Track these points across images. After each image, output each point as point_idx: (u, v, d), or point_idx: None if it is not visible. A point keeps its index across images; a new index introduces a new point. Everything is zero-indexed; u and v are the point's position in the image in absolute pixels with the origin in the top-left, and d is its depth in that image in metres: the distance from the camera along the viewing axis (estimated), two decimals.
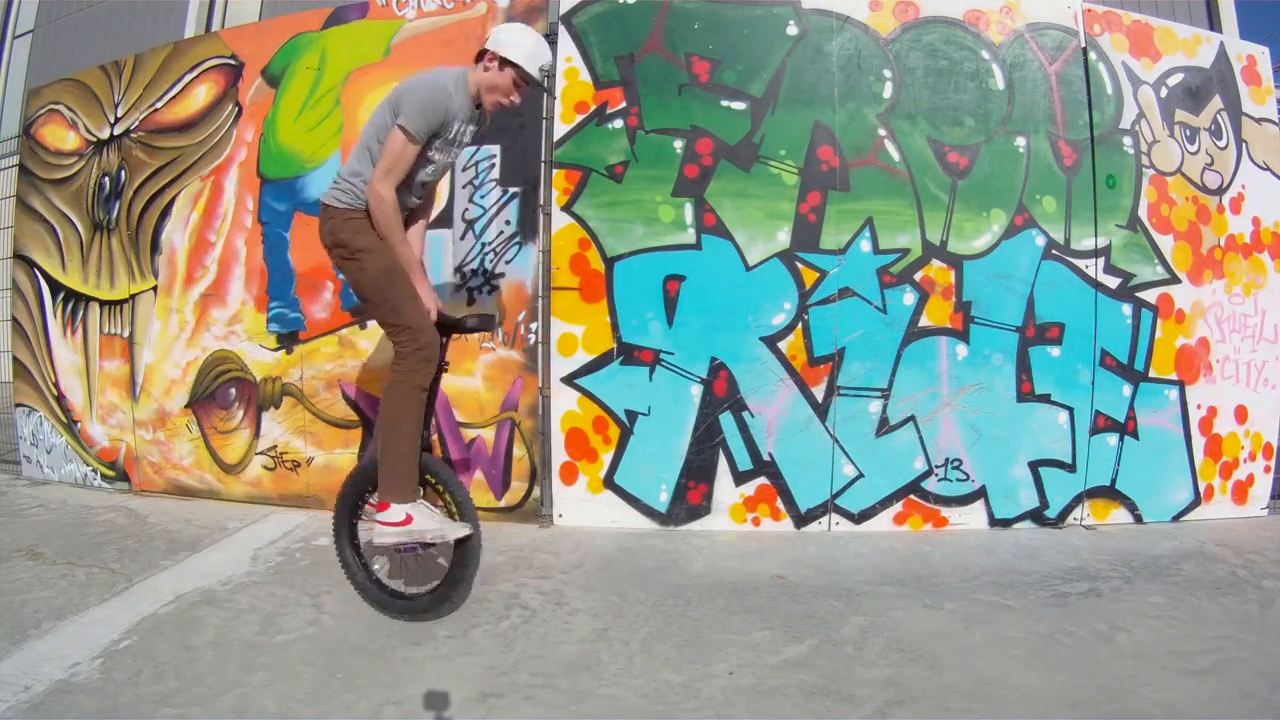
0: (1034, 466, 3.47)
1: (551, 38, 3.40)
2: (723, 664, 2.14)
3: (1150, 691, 2.00)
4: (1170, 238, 3.61)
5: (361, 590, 2.47)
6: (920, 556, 3.07)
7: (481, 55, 2.39)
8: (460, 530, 2.30)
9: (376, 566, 2.58)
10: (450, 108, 2.32)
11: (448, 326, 2.48)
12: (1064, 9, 3.53)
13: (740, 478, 3.38)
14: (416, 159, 2.35)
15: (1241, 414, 3.74)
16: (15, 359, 4.47)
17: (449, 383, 3.48)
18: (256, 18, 7.70)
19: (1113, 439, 3.55)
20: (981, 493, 3.45)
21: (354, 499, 2.52)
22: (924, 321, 3.39)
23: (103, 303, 4.11)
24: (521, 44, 2.35)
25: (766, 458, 3.37)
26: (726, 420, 3.37)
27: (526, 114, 3.41)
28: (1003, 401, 3.44)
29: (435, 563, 2.62)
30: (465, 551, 2.34)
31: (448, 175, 3.47)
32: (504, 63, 2.33)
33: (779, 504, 3.38)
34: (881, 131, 3.38)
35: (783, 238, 3.34)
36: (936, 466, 3.42)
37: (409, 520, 2.27)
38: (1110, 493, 3.56)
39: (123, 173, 4.01)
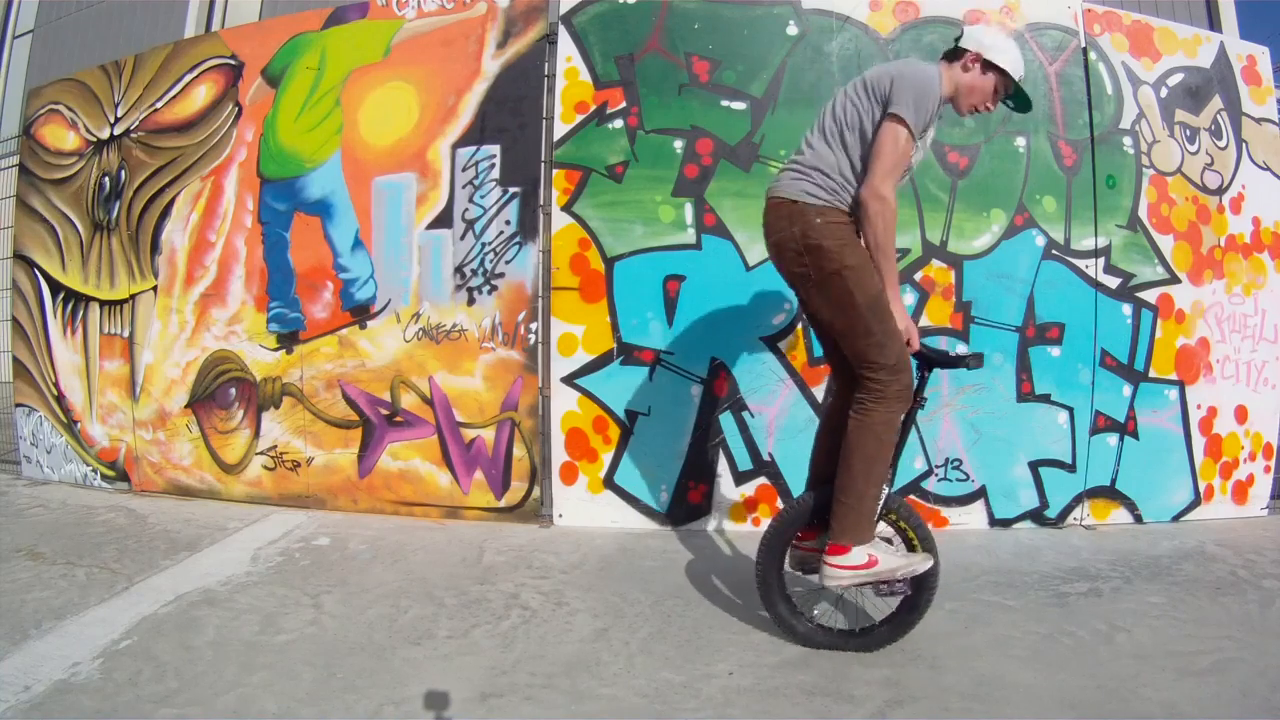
0: (1034, 466, 3.47)
1: (551, 38, 3.40)
2: (723, 664, 2.14)
3: (1150, 691, 2.00)
4: (1170, 238, 3.61)
5: (806, 640, 2.25)
6: None
7: (956, 55, 2.19)
8: (925, 563, 2.14)
9: (816, 613, 2.35)
10: (938, 103, 2.11)
11: (931, 360, 2.24)
12: (1064, 9, 3.53)
13: (740, 478, 3.38)
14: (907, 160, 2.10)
15: (1241, 414, 3.74)
16: (15, 359, 4.47)
17: (450, 383, 3.50)
18: (256, 18, 7.71)
19: (1113, 439, 3.55)
20: (981, 493, 3.45)
21: (783, 547, 2.26)
22: (924, 321, 3.39)
23: (103, 303, 4.11)
24: (1009, 50, 2.16)
25: (766, 458, 3.37)
26: (726, 420, 3.37)
27: (526, 114, 3.42)
28: (1003, 401, 3.44)
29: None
30: (925, 578, 2.19)
31: (448, 175, 3.48)
32: (988, 66, 2.14)
33: (779, 504, 3.38)
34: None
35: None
36: (936, 466, 3.42)
37: (873, 563, 2.09)
38: (1110, 493, 3.56)
39: (123, 173, 4.02)
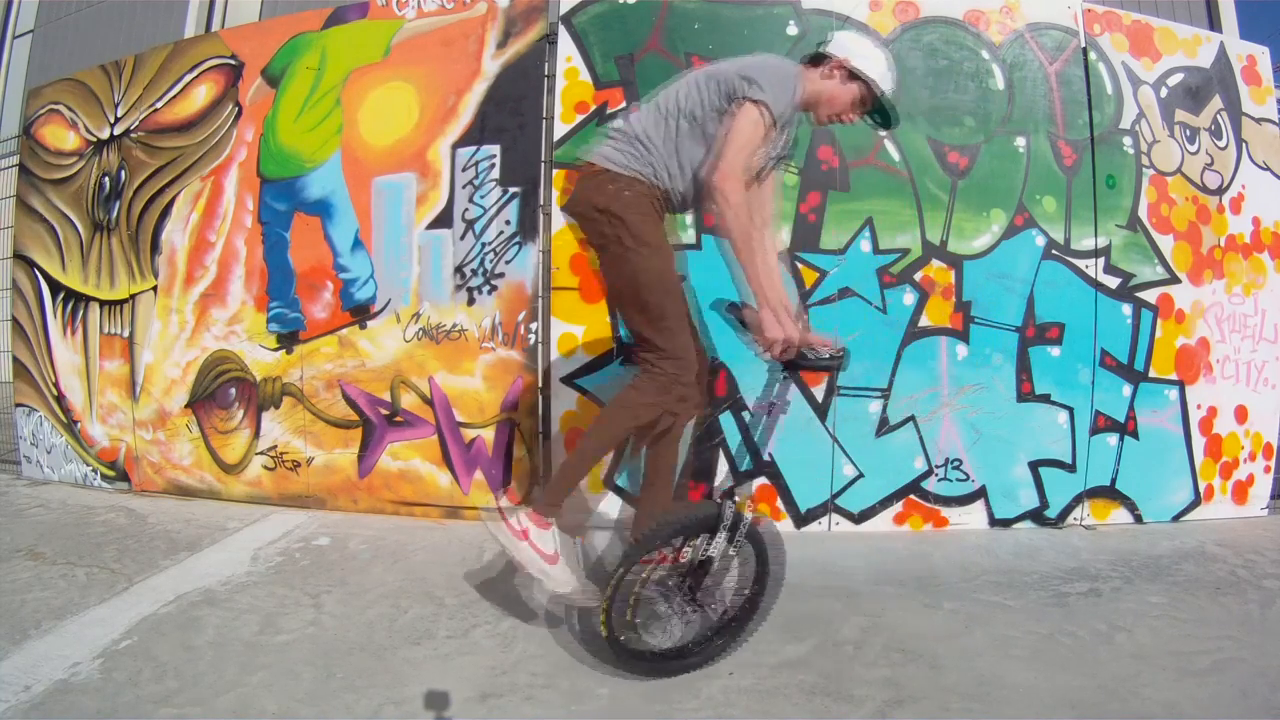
0: (1034, 466, 3.47)
1: (551, 38, 3.40)
2: (723, 664, 2.14)
3: (1150, 691, 2.00)
4: (1170, 238, 3.61)
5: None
6: (920, 556, 3.07)
7: (819, 60, 2.10)
8: (562, 587, 2.01)
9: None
10: (795, 104, 2.01)
11: (799, 365, 2.10)
12: (1064, 9, 3.53)
13: (740, 478, 3.38)
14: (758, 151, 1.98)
15: (1241, 414, 3.74)
16: (15, 359, 4.47)
17: (450, 383, 3.49)
18: (256, 18, 7.71)
19: (1113, 439, 3.55)
20: (981, 493, 3.45)
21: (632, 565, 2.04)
22: (924, 321, 3.39)
23: (103, 303, 4.11)
24: (877, 60, 2.08)
25: (766, 458, 3.37)
26: (726, 420, 3.37)
27: (527, 114, 3.42)
28: (1003, 401, 3.44)
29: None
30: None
31: (448, 175, 3.48)
32: (852, 75, 2.05)
33: (779, 504, 3.38)
34: (881, 131, 3.37)
35: (783, 237, 3.34)
36: (936, 466, 3.42)
37: (526, 534, 2.00)
38: (1110, 493, 3.56)
39: (123, 173, 4.01)
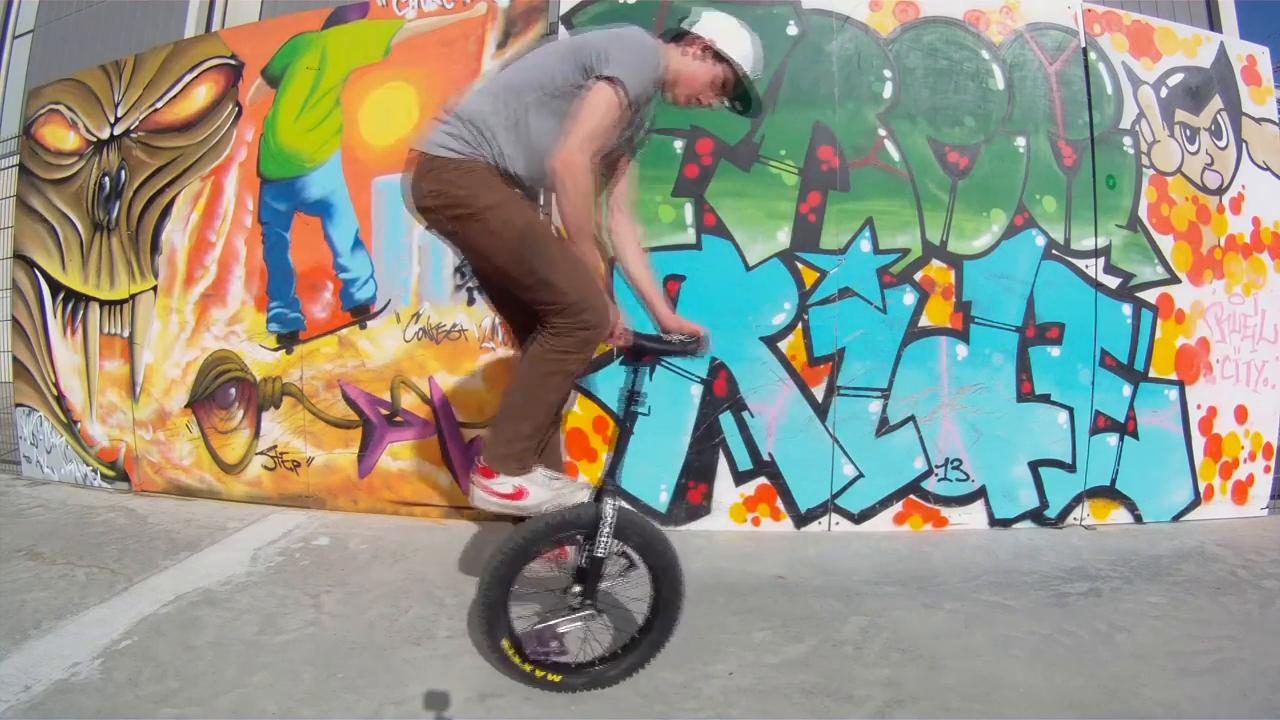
0: (1034, 466, 3.47)
1: (552, 37, 3.40)
2: (723, 664, 2.14)
3: (1150, 691, 2.00)
4: (1170, 238, 3.61)
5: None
6: (920, 556, 3.07)
7: (681, 37, 1.99)
8: (579, 494, 1.93)
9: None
10: (655, 80, 1.88)
11: (643, 350, 1.98)
12: (1064, 9, 3.53)
13: (740, 478, 3.38)
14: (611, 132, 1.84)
15: (1241, 414, 3.74)
16: (15, 359, 4.47)
17: (450, 383, 3.49)
18: (256, 18, 7.70)
19: (1113, 439, 3.55)
20: (981, 493, 3.45)
21: (512, 576, 1.95)
22: (924, 321, 3.39)
23: (103, 303, 4.11)
24: (741, 42, 1.97)
25: (766, 458, 3.37)
26: (726, 420, 3.37)
27: None
28: (1003, 401, 3.44)
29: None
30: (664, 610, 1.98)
31: None
32: (717, 56, 1.95)
33: (779, 504, 3.38)
34: (881, 131, 3.38)
35: (783, 238, 3.34)
36: (936, 466, 3.42)
37: (521, 494, 1.92)
38: (1110, 493, 3.56)
39: (123, 173, 4.01)
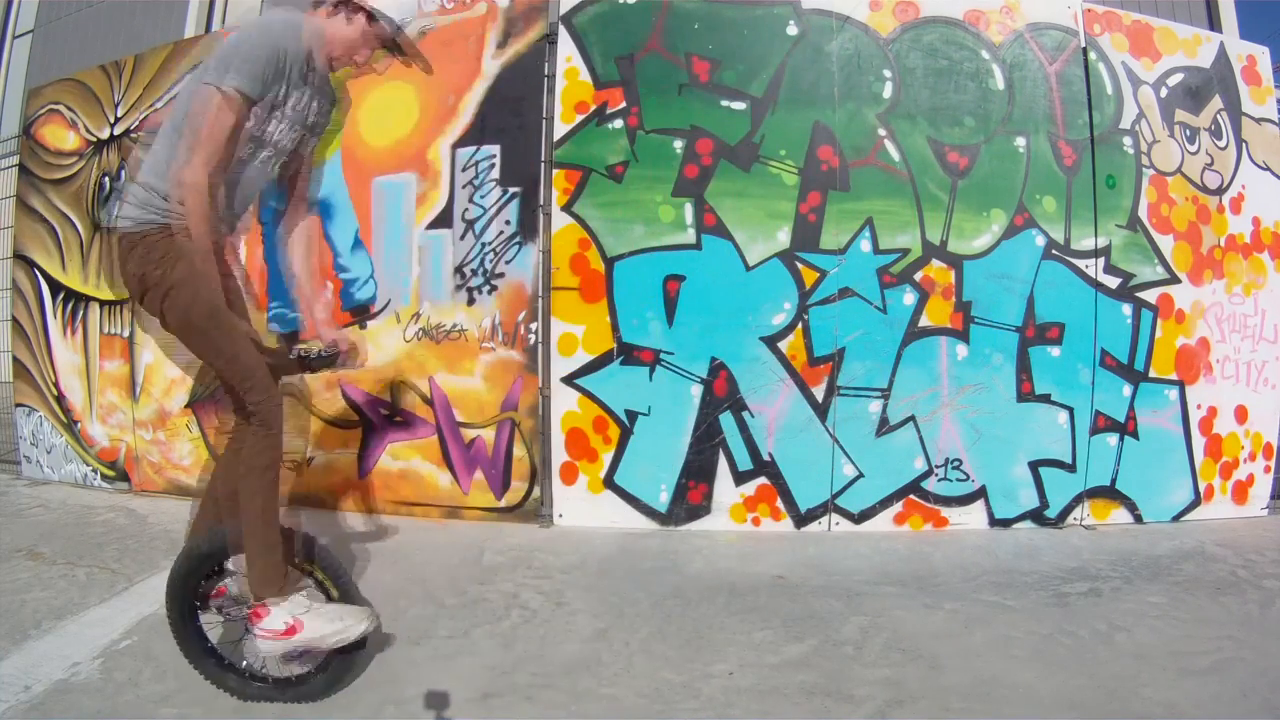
0: (1034, 466, 3.47)
1: (551, 38, 3.40)
2: (723, 664, 2.14)
3: (1150, 691, 2.00)
4: (1170, 238, 3.61)
5: (243, 695, 1.94)
6: (920, 556, 3.07)
7: (320, 2, 1.89)
8: (361, 624, 1.83)
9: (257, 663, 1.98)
10: (287, 57, 1.76)
11: (282, 368, 1.92)
12: (1064, 9, 3.53)
13: (740, 478, 3.38)
14: (234, 135, 1.72)
15: (1241, 414, 3.74)
16: (15, 359, 4.47)
17: (450, 383, 3.49)
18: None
19: (1113, 439, 3.55)
20: (981, 493, 3.45)
21: (188, 600, 1.94)
22: (924, 321, 3.39)
23: (103, 303, 4.11)
24: None
25: (766, 458, 3.37)
26: (726, 420, 3.37)
27: (526, 114, 3.42)
28: (1003, 401, 3.44)
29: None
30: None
31: (448, 175, 3.48)
32: (353, 8, 1.84)
33: (779, 504, 3.38)
34: (881, 131, 3.38)
35: (783, 238, 3.34)
36: (936, 466, 3.42)
37: (296, 628, 1.78)
38: (1110, 493, 3.56)
39: (123, 173, 4.01)
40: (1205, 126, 3.71)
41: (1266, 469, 3.80)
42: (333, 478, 3.65)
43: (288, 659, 1.88)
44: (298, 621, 1.78)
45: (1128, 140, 3.55)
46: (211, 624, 2.00)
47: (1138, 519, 3.58)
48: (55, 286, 4.28)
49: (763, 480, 3.38)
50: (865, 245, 3.36)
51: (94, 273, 4.13)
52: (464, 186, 3.47)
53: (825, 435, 3.37)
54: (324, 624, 1.80)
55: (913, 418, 3.40)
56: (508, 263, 3.44)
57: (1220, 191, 3.71)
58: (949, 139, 3.40)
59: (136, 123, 3.99)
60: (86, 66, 4.34)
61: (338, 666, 1.93)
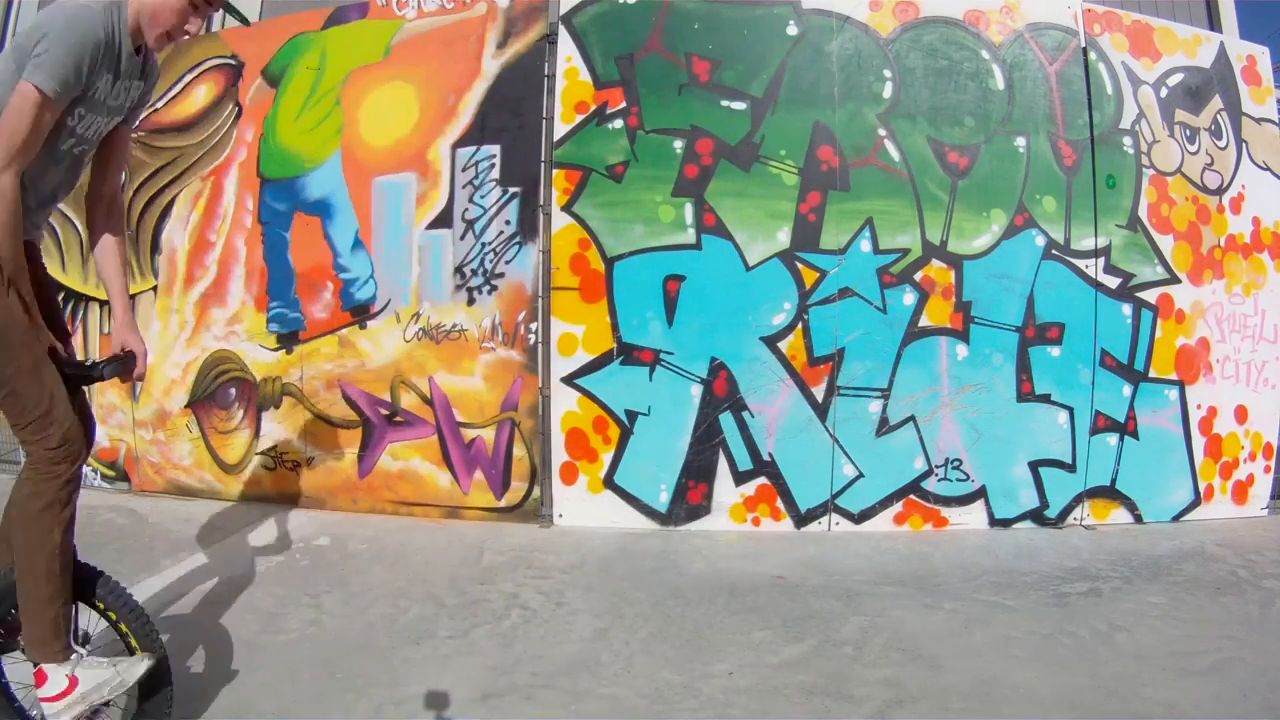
0: (1034, 466, 3.47)
1: (551, 38, 3.40)
2: (723, 664, 2.14)
3: (1150, 691, 2.00)
4: (1170, 238, 3.61)
5: None
6: (920, 557, 3.07)
7: None
8: (138, 667, 1.67)
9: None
10: (101, 45, 1.59)
11: (75, 378, 1.72)
12: (1064, 9, 3.53)
13: (740, 478, 3.38)
14: (54, 129, 1.57)
15: (1241, 414, 3.74)
16: None
17: (450, 383, 3.49)
18: (257, 18, 7.70)
19: (1113, 439, 3.54)
20: (981, 493, 3.45)
21: None
22: (924, 321, 3.39)
23: (103, 303, 4.10)
24: None
25: (766, 458, 3.37)
26: (726, 420, 3.37)
27: (527, 114, 3.42)
28: (1003, 401, 3.44)
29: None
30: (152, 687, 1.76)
31: (448, 175, 3.48)
32: None
33: (779, 504, 3.38)
34: (881, 131, 3.38)
35: (783, 238, 3.34)
36: (936, 466, 3.42)
37: (72, 687, 1.62)
38: (1110, 493, 3.56)
39: (123, 173, 4.01)
40: (1205, 126, 3.70)
41: (1266, 469, 3.80)
42: (333, 478, 3.65)
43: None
44: (74, 676, 1.64)
45: (1128, 140, 3.55)
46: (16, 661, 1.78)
47: (1138, 519, 3.58)
48: (55, 286, 4.27)
49: (763, 480, 3.38)
50: (865, 245, 3.36)
51: (94, 272, 4.13)
52: (464, 186, 3.47)
53: (825, 435, 3.37)
54: (99, 672, 1.65)
55: (913, 418, 3.40)
56: (508, 263, 3.44)
57: (1220, 191, 3.71)
58: (949, 139, 3.40)
59: (136, 122, 3.98)
60: None
61: (152, 711, 1.77)
